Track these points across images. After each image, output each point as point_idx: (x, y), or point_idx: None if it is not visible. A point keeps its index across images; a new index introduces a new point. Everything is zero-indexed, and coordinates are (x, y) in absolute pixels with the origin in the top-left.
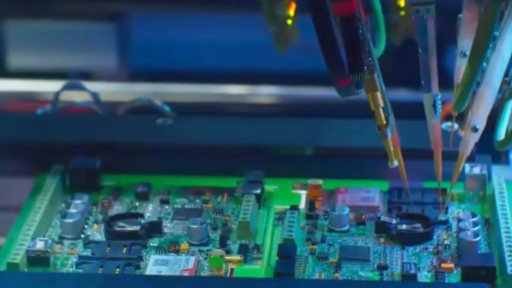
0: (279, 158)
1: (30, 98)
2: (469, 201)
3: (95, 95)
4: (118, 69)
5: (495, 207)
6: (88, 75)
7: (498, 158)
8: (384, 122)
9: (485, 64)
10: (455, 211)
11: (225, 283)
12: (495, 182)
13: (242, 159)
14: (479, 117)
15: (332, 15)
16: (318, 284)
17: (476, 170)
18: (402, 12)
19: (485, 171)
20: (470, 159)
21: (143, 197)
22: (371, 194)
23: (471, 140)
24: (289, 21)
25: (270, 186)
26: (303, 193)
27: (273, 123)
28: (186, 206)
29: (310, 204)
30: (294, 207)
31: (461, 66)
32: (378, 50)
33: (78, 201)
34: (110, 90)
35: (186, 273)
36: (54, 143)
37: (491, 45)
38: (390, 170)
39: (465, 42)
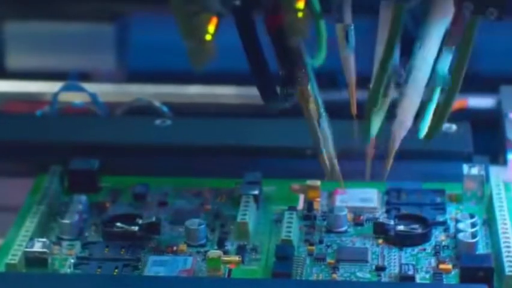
0: (277, 159)
1: (29, 98)
2: (467, 202)
3: (93, 96)
4: (117, 70)
5: (493, 208)
6: (86, 76)
7: (496, 159)
8: (317, 116)
9: (412, 62)
10: (453, 212)
11: (222, 284)
12: (493, 183)
13: (240, 160)
14: (407, 114)
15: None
16: (315, 285)
17: (474, 171)
18: (300, 14)
19: (483, 172)
20: (468, 160)
21: (142, 198)
22: (369, 195)
23: (399, 135)
24: (209, 37)
25: (268, 187)
26: (301, 194)
27: (271, 125)
28: (184, 207)
29: (309, 205)
30: (292, 208)
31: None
32: (318, 59)
33: (76, 202)
34: (109, 91)
35: (184, 274)
36: (53, 143)
37: (418, 45)
38: (389, 171)
39: (382, 48)
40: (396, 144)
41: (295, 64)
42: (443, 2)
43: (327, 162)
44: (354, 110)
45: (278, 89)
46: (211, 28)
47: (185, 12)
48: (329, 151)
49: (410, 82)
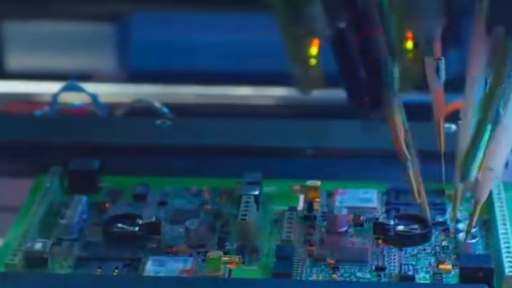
0: (277, 159)
1: (29, 99)
2: (466, 203)
3: (93, 96)
4: (117, 71)
5: (493, 208)
6: (86, 77)
7: None
8: (409, 157)
9: (502, 102)
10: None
11: (223, 284)
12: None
13: (241, 161)
14: (496, 160)
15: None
16: (315, 285)
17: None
18: (410, 55)
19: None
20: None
21: (142, 198)
22: (369, 195)
23: (488, 184)
24: (313, 61)
25: (268, 188)
26: (301, 194)
27: (272, 125)
28: (184, 207)
29: (309, 205)
30: (292, 209)
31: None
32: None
33: (76, 203)
34: (109, 92)
35: (184, 275)
36: (53, 144)
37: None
38: (389, 171)
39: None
40: (483, 197)
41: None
42: None
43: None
44: (442, 148)
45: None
46: (314, 50)
47: (293, 36)
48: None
49: (501, 124)
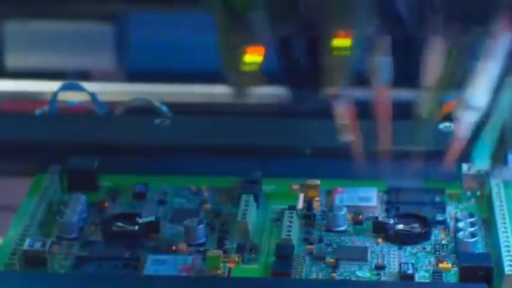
0: (277, 158)
1: (28, 98)
2: (466, 201)
3: (93, 95)
4: (116, 70)
5: (493, 207)
6: (86, 76)
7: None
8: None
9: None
10: (452, 211)
11: (222, 283)
12: (493, 182)
13: (240, 159)
14: (476, 95)
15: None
16: (315, 284)
17: (474, 170)
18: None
19: (482, 171)
20: (468, 159)
21: (141, 197)
22: (369, 194)
23: (468, 120)
24: (255, 67)
25: (267, 186)
26: (301, 193)
27: (271, 124)
28: (184, 206)
29: (308, 204)
30: (292, 207)
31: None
32: None
33: (76, 202)
34: (108, 91)
35: (184, 273)
36: (52, 143)
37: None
38: (388, 170)
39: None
40: (464, 132)
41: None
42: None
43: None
44: (386, 145)
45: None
46: (258, 58)
47: (231, 42)
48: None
49: (482, 61)
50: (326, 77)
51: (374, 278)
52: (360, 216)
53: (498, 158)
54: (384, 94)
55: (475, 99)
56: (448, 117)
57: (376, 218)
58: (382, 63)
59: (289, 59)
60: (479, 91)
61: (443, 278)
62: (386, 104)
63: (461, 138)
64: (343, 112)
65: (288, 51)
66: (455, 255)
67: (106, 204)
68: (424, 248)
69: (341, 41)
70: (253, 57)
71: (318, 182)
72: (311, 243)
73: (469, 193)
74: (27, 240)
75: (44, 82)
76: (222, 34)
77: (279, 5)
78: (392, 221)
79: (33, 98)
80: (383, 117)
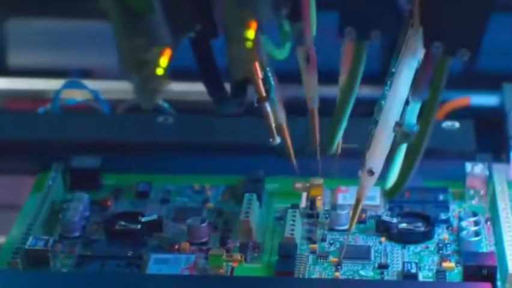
0: (280, 156)
1: (31, 96)
2: (470, 200)
3: (95, 93)
4: (119, 68)
5: (496, 206)
6: (88, 74)
7: (499, 156)
8: (264, 94)
9: (383, 102)
10: (456, 210)
11: (225, 282)
12: (496, 181)
13: (243, 158)
14: (375, 160)
15: None
16: (318, 283)
17: (477, 169)
18: (249, 44)
19: (486, 170)
20: (471, 158)
21: (144, 196)
22: (372, 192)
23: (367, 183)
24: (160, 71)
25: (271, 185)
26: (304, 192)
27: None
28: (187, 205)
29: (311, 203)
30: (295, 206)
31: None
32: (283, 52)
33: (78, 200)
34: (111, 89)
35: (186, 272)
36: (55, 141)
37: (388, 83)
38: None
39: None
40: (364, 193)
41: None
42: (413, 41)
43: (272, 122)
44: (316, 140)
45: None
46: (164, 61)
47: (133, 45)
48: (279, 117)
49: (379, 126)
50: (233, 68)
51: (378, 277)
52: (364, 215)
53: None
54: (312, 84)
55: (373, 165)
56: (451, 115)
57: (379, 216)
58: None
59: (206, 62)
60: (377, 156)
61: (447, 277)
62: (314, 94)
63: (359, 201)
64: (270, 114)
65: (204, 53)
66: (458, 254)
67: (109, 203)
68: (428, 247)
69: (248, 32)
70: (163, 60)
71: (321, 180)
72: (314, 242)
73: (472, 192)
74: (30, 239)
75: (47, 80)
76: (121, 37)
77: (180, 6)
78: (395, 220)
79: (36, 97)
80: (313, 108)
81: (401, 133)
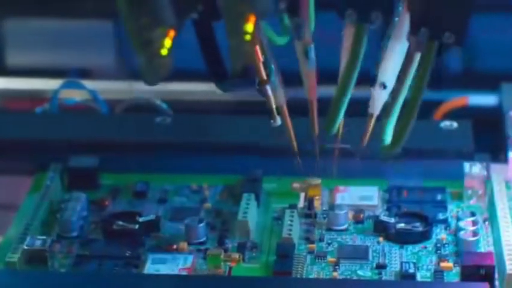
0: (278, 156)
1: (29, 96)
2: (468, 200)
3: (93, 93)
4: (117, 68)
5: (494, 206)
6: (86, 74)
7: (497, 156)
8: (265, 77)
9: (396, 19)
10: (454, 210)
11: (223, 282)
12: (494, 181)
13: (241, 158)
14: (388, 73)
15: None
16: (316, 283)
17: (476, 168)
18: (248, 37)
19: (484, 170)
20: (469, 158)
21: (142, 196)
22: (370, 192)
23: (380, 97)
24: (164, 51)
25: (268, 185)
26: (302, 192)
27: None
28: (184, 205)
29: (309, 203)
30: (293, 206)
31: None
32: (283, 39)
33: (76, 200)
34: (109, 89)
35: (184, 272)
36: (53, 141)
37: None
38: (390, 169)
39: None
40: (377, 108)
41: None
42: (402, 25)
43: (273, 104)
44: (315, 130)
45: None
46: (168, 42)
47: (138, 25)
48: (279, 99)
49: (392, 37)
50: (232, 59)
51: (375, 277)
52: (361, 215)
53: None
54: (312, 78)
55: (385, 78)
56: (449, 116)
57: (377, 216)
58: (309, 49)
59: (208, 44)
60: (390, 70)
61: (445, 277)
62: (314, 88)
63: (372, 114)
64: (271, 96)
65: (206, 35)
66: (456, 254)
67: (107, 202)
68: (426, 247)
69: (247, 26)
70: (167, 40)
71: (319, 180)
72: (312, 242)
73: (470, 192)
74: (28, 239)
75: (45, 80)
76: (127, 18)
77: None
78: (393, 220)
79: (34, 96)
80: (312, 100)
81: (415, 41)
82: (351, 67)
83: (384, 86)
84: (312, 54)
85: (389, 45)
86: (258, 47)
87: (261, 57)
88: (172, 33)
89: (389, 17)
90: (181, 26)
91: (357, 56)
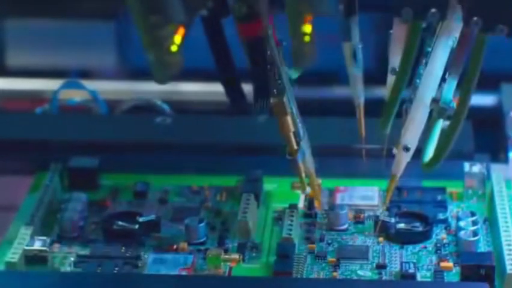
0: (278, 156)
1: (29, 96)
2: (468, 200)
3: (94, 93)
4: (117, 68)
5: (494, 206)
6: (87, 74)
7: (497, 156)
8: (295, 147)
9: (418, 81)
10: (454, 210)
11: (223, 282)
12: (494, 181)
13: (241, 158)
14: (411, 137)
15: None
16: (316, 283)
17: (476, 168)
18: (307, 38)
19: (484, 170)
20: (470, 158)
21: (142, 196)
22: (370, 192)
23: (403, 159)
24: (174, 48)
25: (269, 185)
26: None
27: (273, 122)
28: (184, 205)
29: (309, 203)
30: (293, 206)
31: (391, 83)
32: (296, 71)
33: (76, 200)
34: (109, 89)
35: (184, 272)
36: (53, 141)
37: (424, 61)
38: (390, 169)
39: (395, 59)
40: (400, 170)
41: (270, 75)
42: (449, 21)
43: (302, 173)
44: (362, 132)
45: (252, 101)
46: (178, 39)
47: (149, 23)
48: (308, 166)
49: (414, 103)
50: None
51: (376, 277)
52: (362, 215)
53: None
54: (358, 80)
55: (408, 141)
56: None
57: (377, 216)
58: (356, 50)
59: (217, 41)
60: (412, 133)
61: (445, 277)
62: (360, 90)
63: (395, 175)
64: (301, 167)
65: (215, 32)
66: (456, 254)
67: (107, 203)
68: (426, 247)
69: (306, 27)
70: (177, 37)
71: (319, 180)
72: (312, 242)
73: (470, 192)
74: (28, 239)
75: (45, 80)
76: (137, 15)
77: None
78: (393, 220)
79: (34, 97)
80: (359, 105)
81: (438, 109)
82: (405, 66)
83: (407, 149)
84: (360, 55)
85: (411, 109)
86: (288, 118)
87: (291, 127)
88: (182, 30)
89: (444, 14)
90: (190, 23)
91: (410, 54)
